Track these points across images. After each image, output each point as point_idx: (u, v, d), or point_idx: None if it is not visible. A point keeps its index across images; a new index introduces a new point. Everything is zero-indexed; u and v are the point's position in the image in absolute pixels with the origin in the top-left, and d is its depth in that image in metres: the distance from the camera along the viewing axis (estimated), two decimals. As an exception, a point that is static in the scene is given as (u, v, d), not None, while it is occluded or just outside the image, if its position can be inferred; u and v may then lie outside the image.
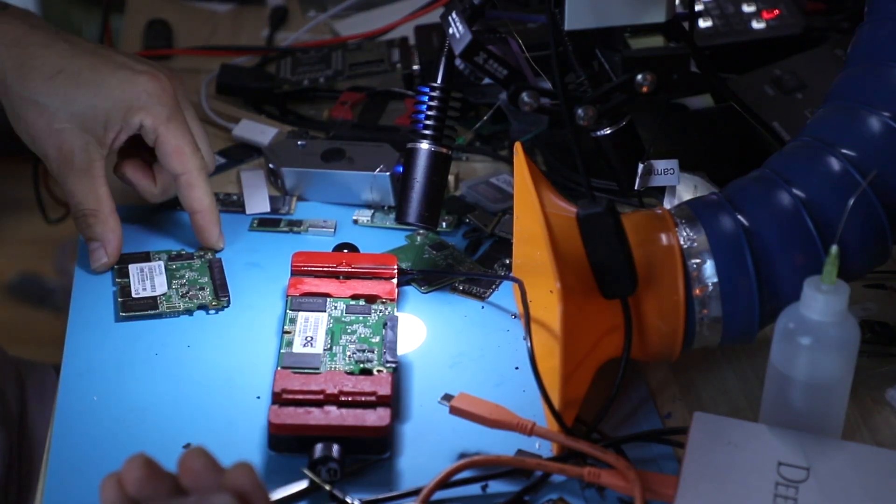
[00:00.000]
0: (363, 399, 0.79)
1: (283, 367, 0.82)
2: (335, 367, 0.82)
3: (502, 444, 0.79)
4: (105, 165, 0.93)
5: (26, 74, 0.90)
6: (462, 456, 0.79)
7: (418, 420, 0.82)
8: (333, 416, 0.78)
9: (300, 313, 0.87)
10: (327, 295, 0.89)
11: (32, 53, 0.90)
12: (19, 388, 1.10)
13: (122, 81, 0.91)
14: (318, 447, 0.77)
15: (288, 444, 0.78)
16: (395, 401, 0.82)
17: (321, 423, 0.78)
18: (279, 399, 0.79)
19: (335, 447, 0.77)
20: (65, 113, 0.90)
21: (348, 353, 0.84)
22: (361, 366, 0.83)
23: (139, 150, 0.96)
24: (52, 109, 0.90)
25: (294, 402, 0.79)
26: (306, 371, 0.82)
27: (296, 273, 0.91)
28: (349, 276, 0.90)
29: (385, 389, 0.80)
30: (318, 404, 0.79)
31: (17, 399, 1.08)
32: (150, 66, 0.94)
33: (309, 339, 0.85)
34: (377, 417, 0.78)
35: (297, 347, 0.84)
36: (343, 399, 0.79)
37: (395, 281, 0.90)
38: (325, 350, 0.84)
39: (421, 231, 0.99)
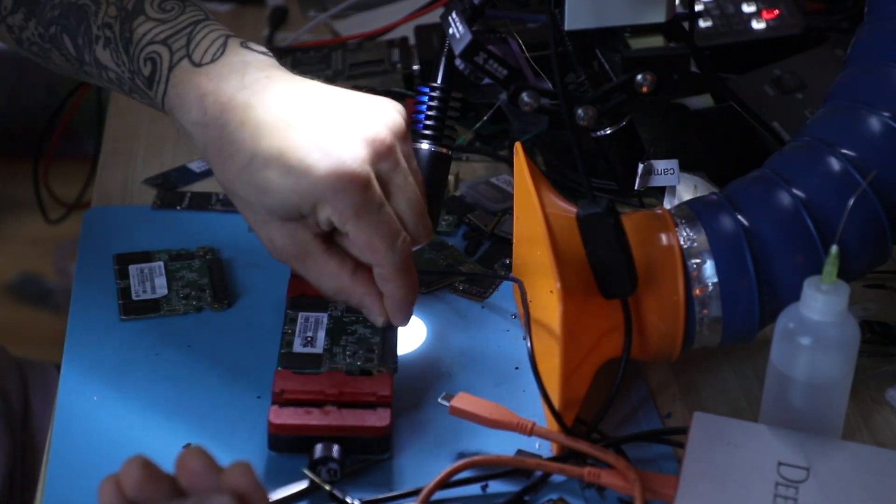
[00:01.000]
0: (363, 399, 0.79)
1: (283, 367, 0.82)
2: (335, 368, 0.82)
3: (502, 444, 0.79)
4: (322, 241, 0.81)
5: (223, 165, 0.79)
6: (462, 456, 0.79)
7: (418, 420, 0.82)
8: (333, 416, 0.78)
9: (300, 313, 0.87)
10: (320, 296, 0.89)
11: (228, 138, 0.79)
12: (22, 388, 1.10)
13: (305, 173, 0.77)
14: (318, 447, 0.77)
15: (288, 444, 0.78)
16: (395, 401, 0.82)
17: (321, 423, 0.78)
18: (279, 399, 0.79)
19: (335, 447, 0.77)
20: (260, 206, 0.79)
21: (348, 354, 0.84)
22: (361, 366, 0.83)
23: None
24: (251, 203, 0.80)
25: (294, 403, 0.79)
26: (306, 371, 0.82)
27: (296, 273, 0.91)
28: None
29: (385, 390, 0.80)
30: (318, 404, 0.79)
31: (20, 399, 1.09)
32: (352, 126, 0.79)
33: (309, 339, 0.85)
34: (377, 418, 0.78)
35: (297, 347, 0.84)
36: (343, 399, 0.79)
37: None
38: (325, 350, 0.84)
39: None
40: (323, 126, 0.79)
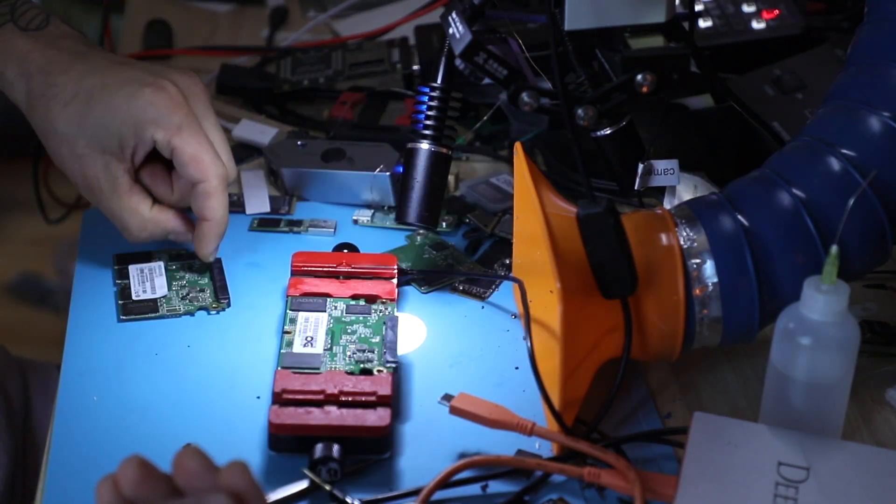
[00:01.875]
0: (363, 399, 0.79)
1: (284, 367, 0.82)
2: (335, 367, 0.82)
3: (502, 444, 0.79)
4: (130, 177, 0.90)
5: (46, 104, 0.89)
6: (462, 456, 0.79)
7: (418, 420, 0.82)
8: (334, 416, 0.78)
9: (300, 313, 0.87)
10: (327, 295, 0.89)
11: (52, 81, 0.89)
12: (23, 388, 1.10)
13: (128, 97, 0.89)
14: (319, 447, 0.77)
15: (288, 444, 0.78)
16: (395, 401, 0.82)
17: (321, 423, 0.78)
18: (279, 399, 0.79)
19: (335, 447, 0.77)
20: (82, 138, 0.89)
21: (348, 354, 0.84)
22: (361, 366, 0.83)
23: (161, 156, 0.93)
24: (70, 137, 0.89)
25: (294, 402, 0.79)
26: (306, 371, 0.82)
27: (296, 273, 0.91)
28: (349, 276, 0.91)
29: (385, 389, 0.80)
30: (319, 404, 0.79)
31: (22, 399, 1.08)
32: (162, 74, 0.91)
33: (309, 339, 0.85)
34: (377, 417, 0.78)
35: (298, 347, 0.84)
36: (343, 399, 0.79)
37: (395, 281, 0.90)
38: (325, 350, 0.84)
39: (421, 231, 0.99)
40: (137, 68, 0.91)
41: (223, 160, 0.91)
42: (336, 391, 0.79)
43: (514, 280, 0.89)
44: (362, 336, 0.85)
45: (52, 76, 0.89)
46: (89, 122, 0.88)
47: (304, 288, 0.89)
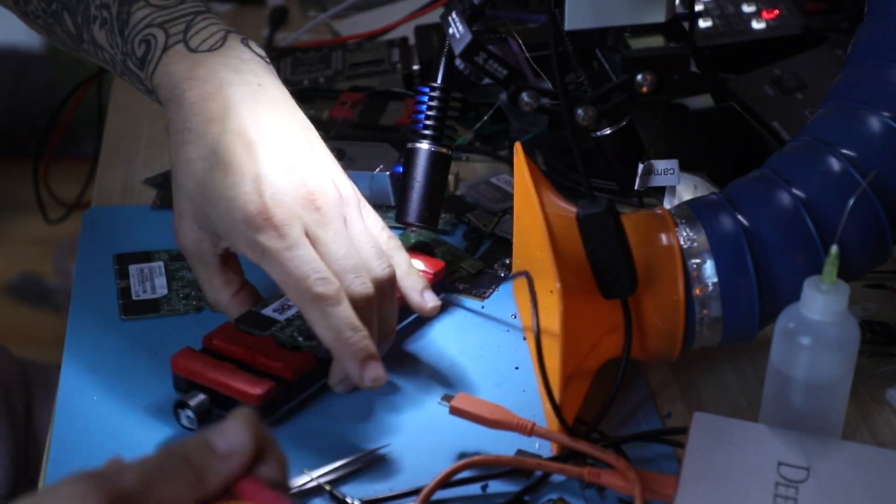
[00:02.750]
0: (267, 369, 0.80)
1: (236, 322, 0.84)
2: (276, 337, 0.82)
3: (502, 444, 0.79)
4: (220, 257, 0.84)
5: (179, 145, 0.81)
6: (462, 456, 0.79)
7: (418, 420, 0.82)
8: (225, 374, 0.79)
9: None
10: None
11: (195, 125, 0.80)
12: (25, 389, 1.10)
13: (233, 200, 0.79)
14: (188, 394, 0.79)
15: (182, 385, 0.81)
16: (394, 400, 0.82)
17: (210, 375, 0.79)
18: (206, 343, 0.82)
19: (200, 397, 0.79)
20: (187, 201, 0.81)
21: (303, 329, 0.83)
22: (293, 342, 0.82)
23: None
24: (180, 190, 0.81)
25: (213, 353, 0.81)
26: (250, 331, 0.83)
27: None
28: None
29: (294, 368, 0.80)
30: (232, 361, 0.80)
31: (24, 399, 1.08)
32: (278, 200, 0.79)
33: (284, 307, 0.85)
34: (259, 386, 0.79)
35: (267, 311, 0.85)
36: (251, 364, 0.80)
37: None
38: (285, 320, 0.84)
39: (413, 230, 0.99)
40: (274, 162, 0.79)
41: (343, 279, 0.79)
42: (251, 355, 0.80)
43: (522, 274, 0.86)
44: None
45: (197, 118, 0.80)
46: (199, 193, 0.80)
47: None
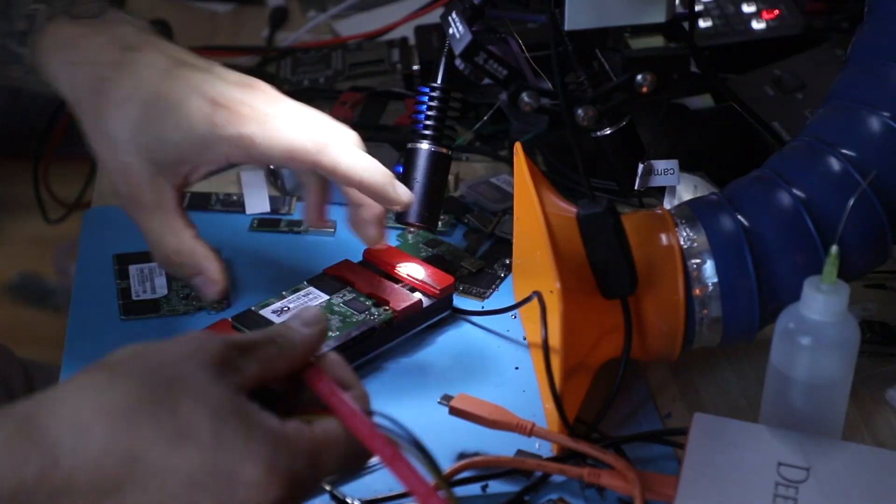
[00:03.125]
0: None
1: (232, 319, 0.84)
2: None
3: (502, 444, 0.79)
4: (178, 195, 0.83)
5: (96, 102, 0.81)
6: (462, 456, 0.79)
7: (418, 420, 0.82)
8: None
9: (309, 288, 0.87)
10: (350, 283, 0.89)
11: (103, 75, 0.81)
12: (28, 389, 1.09)
13: (194, 111, 0.80)
14: None
15: None
16: (394, 400, 0.82)
17: None
18: None
19: None
20: (132, 144, 0.80)
21: None
22: None
23: None
24: (119, 142, 0.80)
25: None
26: (243, 331, 0.83)
27: (367, 259, 0.91)
28: (393, 278, 0.89)
29: None
30: None
31: None
32: (225, 86, 0.82)
33: (283, 309, 0.85)
34: None
35: (266, 312, 0.85)
36: None
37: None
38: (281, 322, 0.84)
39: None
40: (199, 70, 0.82)
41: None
42: None
43: (534, 295, 0.84)
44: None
45: (101, 68, 0.81)
46: (144, 129, 0.80)
47: (341, 272, 0.89)
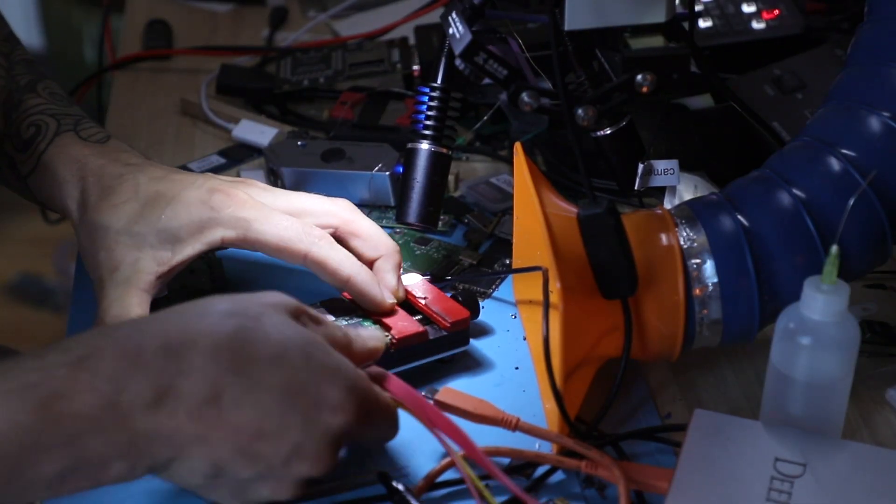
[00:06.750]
0: None
1: None
2: None
3: (500, 444, 0.79)
4: (155, 283, 0.85)
5: (97, 204, 0.86)
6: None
7: (418, 420, 0.82)
8: None
9: (320, 310, 0.86)
10: (361, 307, 0.87)
11: (107, 184, 0.87)
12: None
13: (193, 201, 0.85)
14: None
15: None
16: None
17: None
18: None
19: None
20: (126, 235, 0.85)
21: None
22: None
23: None
24: (111, 230, 0.85)
25: None
26: None
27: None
28: (415, 309, 0.87)
29: None
30: None
31: None
32: (219, 182, 0.88)
33: None
34: None
35: None
36: None
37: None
38: None
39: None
40: (195, 176, 0.89)
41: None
42: None
43: (538, 269, 0.81)
44: None
45: (106, 180, 0.87)
46: (140, 221, 0.85)
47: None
